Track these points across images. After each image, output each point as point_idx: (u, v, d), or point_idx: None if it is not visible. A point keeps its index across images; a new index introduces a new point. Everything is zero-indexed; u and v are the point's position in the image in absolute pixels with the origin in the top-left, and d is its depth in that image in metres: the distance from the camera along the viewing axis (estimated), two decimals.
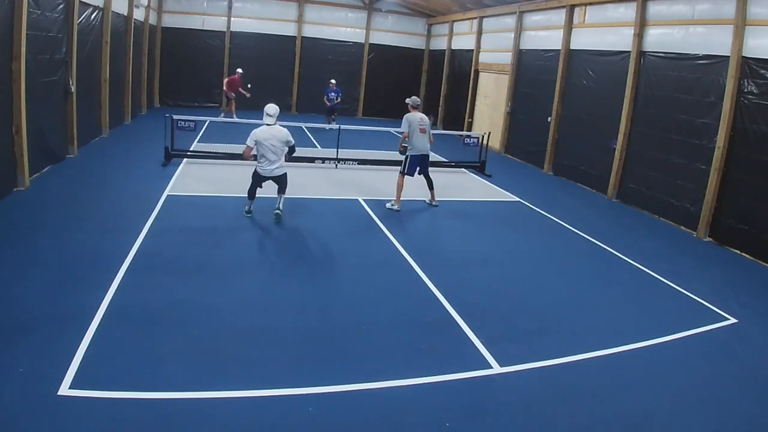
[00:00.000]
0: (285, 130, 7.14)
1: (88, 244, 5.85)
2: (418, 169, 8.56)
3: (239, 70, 16.17)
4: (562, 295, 5.79)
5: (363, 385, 3.82)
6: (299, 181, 9.63)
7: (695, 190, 8.59)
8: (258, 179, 7.24)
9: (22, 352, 3.75)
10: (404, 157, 8.51)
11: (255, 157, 7.10)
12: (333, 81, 17.04)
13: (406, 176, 8.50)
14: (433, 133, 8.80)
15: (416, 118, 8.44)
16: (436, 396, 3.78)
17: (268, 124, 6.99)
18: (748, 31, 7.83)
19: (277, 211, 7.23)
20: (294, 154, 7.46)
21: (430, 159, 8.88)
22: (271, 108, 7.06)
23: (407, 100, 8.72)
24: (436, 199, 8.87)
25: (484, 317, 5.02)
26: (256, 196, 7.35)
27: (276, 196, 7.35)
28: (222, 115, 16.22)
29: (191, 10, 18.45)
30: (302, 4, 19.41)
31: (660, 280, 6.40)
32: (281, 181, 7.28)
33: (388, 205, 8.49)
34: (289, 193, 8.72)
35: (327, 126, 15.91)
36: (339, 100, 16.95)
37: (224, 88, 16.17)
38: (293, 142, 7.24)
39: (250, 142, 6.94)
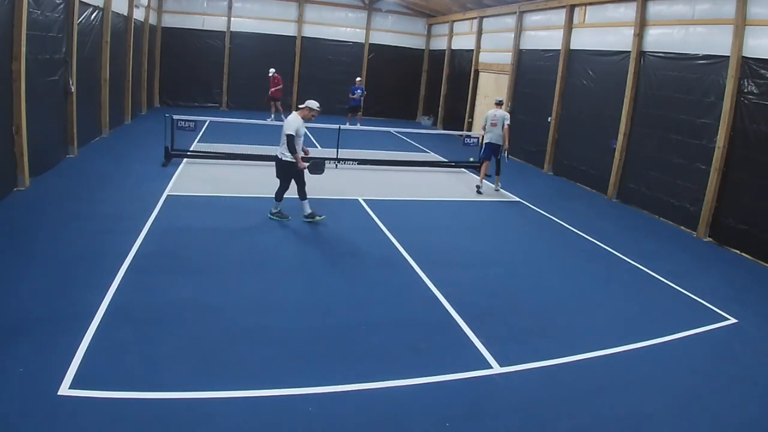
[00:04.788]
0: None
1: (88, 244, 5.85)
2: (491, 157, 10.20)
3: (273, 70, 16.37)
4: (562, 295, 5.79)
5: (363, 385, 3.82)
6: None
7: (695, 190, 8.59)
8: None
9: (22, 352, 3.75)
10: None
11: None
12: (359, 78, 17.40)
13: (485, 161, 10.30)
14: (507, 125, 9.92)
15: (491, 114, 10.06)
16: (436, 396, 3.77)
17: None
18: (748, 31, 7.83)
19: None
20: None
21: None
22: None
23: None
24: (499, 185, 10.33)
25: (484, 317, 5.02)
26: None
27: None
28: (272, 118, 16.16)
29: (191, 10, 18.45)
30: (302, 4, 19.41)
31: (660, 280, 6.40)
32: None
33: (477, 184, 10.23)
34: (289, 192, 8.73)
35: (348, 123, 16.17)
36: (363, 96, 17.18)
37: (275, 93, 16.37)
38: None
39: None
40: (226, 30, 18.81)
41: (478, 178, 10.29)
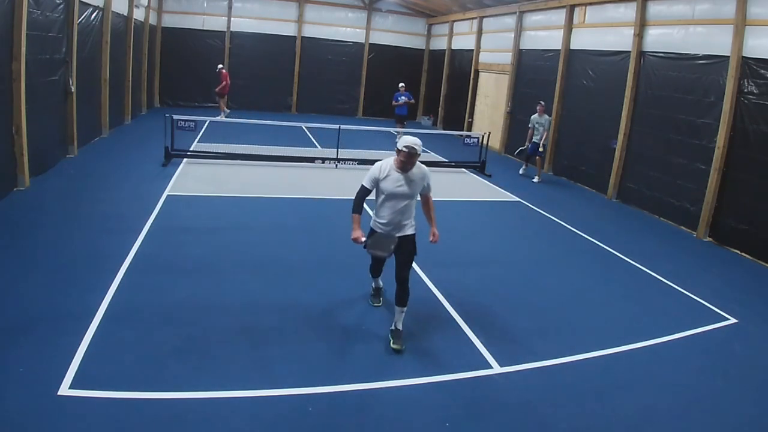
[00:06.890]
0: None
1: (88, 244, 5.85)
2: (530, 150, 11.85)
3: (220, 66, 16.24)
4: (562, 295, 5.79)
5: (363, 384, 3.82)
6: (299, 181, 9.65)
7: (695, 190, 8.59)
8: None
9: (22, 352, 3.75)
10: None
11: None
12: (402, 84, 15.43)
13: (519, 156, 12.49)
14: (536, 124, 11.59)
15: (535, 119, 11.55)
16: (436, 396, 3.78)
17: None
18: (748, 31, 7.83)
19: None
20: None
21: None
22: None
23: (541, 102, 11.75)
24: (538, 178, 11.66)
25: (484, 317, 5.02)
26: None
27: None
28: (224, 115, 16.06)
29: (191, 10, 18.46)
30: (302, 4, 19.42)
31: (660, 280, 6.39)
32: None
33: (521, 170, 12.13)
34: (289, 192, 8.73)
35: (397, 136, 15.04)
36: (409, 103, 15.09)
37: (224, 89, 16.06)
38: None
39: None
40: (226, 30, 18.81)
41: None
